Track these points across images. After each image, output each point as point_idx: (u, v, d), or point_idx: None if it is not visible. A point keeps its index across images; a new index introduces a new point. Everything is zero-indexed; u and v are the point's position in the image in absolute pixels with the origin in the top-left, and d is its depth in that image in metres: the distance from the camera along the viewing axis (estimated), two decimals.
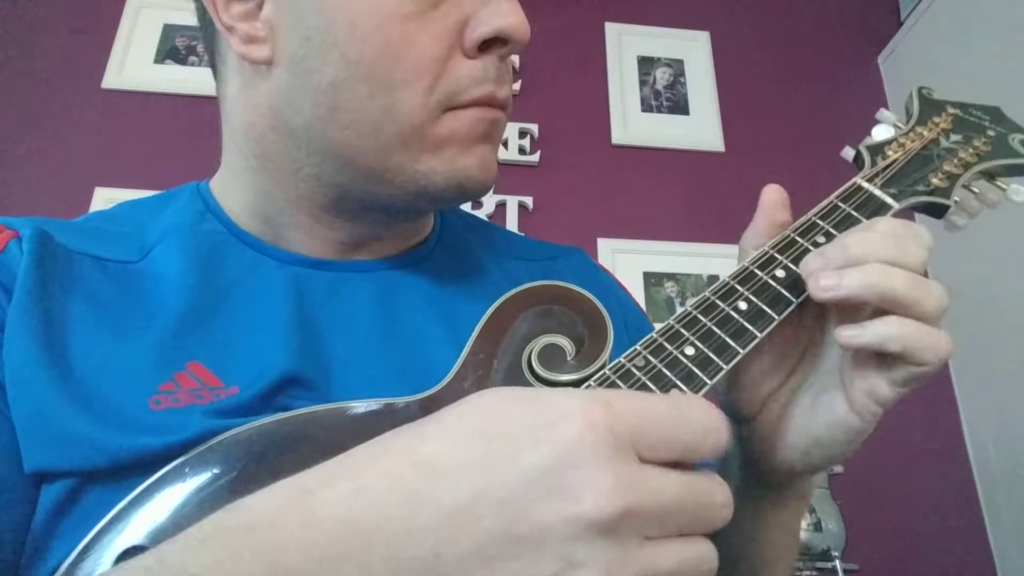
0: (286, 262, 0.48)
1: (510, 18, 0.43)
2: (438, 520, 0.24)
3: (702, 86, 1.91)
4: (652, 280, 1.68)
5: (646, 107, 1.87)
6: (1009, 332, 1.51)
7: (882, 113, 0.52)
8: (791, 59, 1.99)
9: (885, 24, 2.01)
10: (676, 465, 0.27)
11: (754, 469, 0.44)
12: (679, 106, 1.89)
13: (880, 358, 0.37)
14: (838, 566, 1.24)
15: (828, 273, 0.37)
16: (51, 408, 0.37)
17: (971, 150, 0.49)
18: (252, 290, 0.46)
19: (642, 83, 1.90)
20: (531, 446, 0.25)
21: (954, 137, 0.50)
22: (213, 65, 0.50)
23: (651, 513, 0.25)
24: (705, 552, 0.26)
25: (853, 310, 0.38)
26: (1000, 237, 1.51)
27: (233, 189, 0.50)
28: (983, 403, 1.61)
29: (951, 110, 0.52)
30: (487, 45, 0.44)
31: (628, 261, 1.66)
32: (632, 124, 1.84)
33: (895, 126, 0.51)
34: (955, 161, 0.48)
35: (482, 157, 0.45)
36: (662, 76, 1.92)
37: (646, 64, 1.92)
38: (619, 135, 1.82)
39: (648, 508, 0.25)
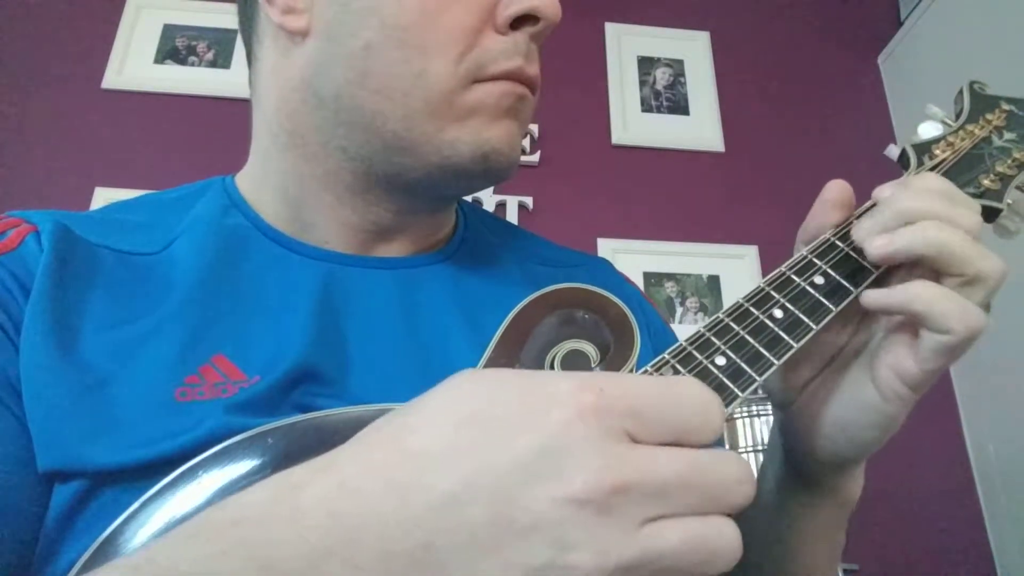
0: (311, 257, 0.48)
1: None
2: (428, 510, 0.23)
3: (702, 86, 1.92)
4: (652, 280, 1.68)
5: (646, 107, 1.88)
6: (1009, 332, 1.51)
7: (930, 109, 0.48)
8: (791, 59, 1.99)
9: (885, 24, 2.01)
10: (677, 445, 0.25)
11: (791, 460, 0.44)
12: (679, 106, 1.89)
13: (910, 333, 0.37)
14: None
15: (881, 236, 0.37)
16: (65, 408, 0.36)
17: None
18: (276, 284, 0.46)
19: (642, 83, 1.90)
20: (521, 432, 0.24)
21: (1008, 135, 0.46)
22: (248, 47, 0.51)
23: (647, 490, 0.24)
24: (722, 528, 0.24)
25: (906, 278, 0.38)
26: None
27: (261, 178, 0.51)
28: (983, 403, 1.61)
29: (1005, 106, 0.48)
30: (518, 23, 0.45)
31: (628, 261, 1.66)
32: (632, 124, 1.84)
33: (943, 123, 0.48)
34: (1008, 161, 0.45)
35: (508, 131, 0.46)
36: (662, 76, 1.92)
37: (646, 64, 1.93)
38: (619, 135, 1.82)
39: (642, 484, 0.24)
